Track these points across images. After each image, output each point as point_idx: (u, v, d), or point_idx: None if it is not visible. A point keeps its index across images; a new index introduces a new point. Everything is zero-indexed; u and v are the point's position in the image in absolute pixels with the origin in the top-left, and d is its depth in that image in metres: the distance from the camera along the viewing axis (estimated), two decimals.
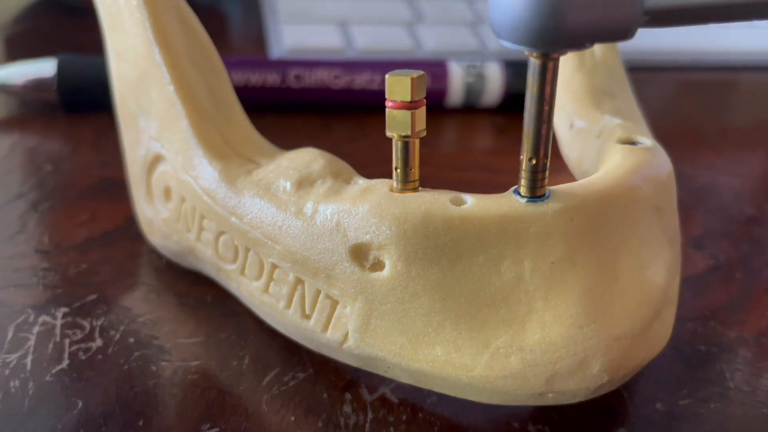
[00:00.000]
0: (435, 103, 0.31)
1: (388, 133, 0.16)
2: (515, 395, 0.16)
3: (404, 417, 0.18)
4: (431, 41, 0.36)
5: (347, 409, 0.18)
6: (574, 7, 0.12)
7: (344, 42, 0.35)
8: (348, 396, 0.18)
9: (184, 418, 0.17)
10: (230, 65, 0.29)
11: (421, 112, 0.16)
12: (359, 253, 0.16)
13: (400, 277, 0.16)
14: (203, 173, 0.19)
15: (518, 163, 0.15)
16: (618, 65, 0.23)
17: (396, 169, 0.16)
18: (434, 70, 0.31)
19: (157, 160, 0.20)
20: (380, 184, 0.17)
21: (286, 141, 0.20)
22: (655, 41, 0.38)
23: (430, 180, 0.17)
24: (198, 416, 0.17)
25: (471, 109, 0.32)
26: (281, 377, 0.18)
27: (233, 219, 0.18)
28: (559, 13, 0.12)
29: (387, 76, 0.15)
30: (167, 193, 0.20)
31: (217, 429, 0.17)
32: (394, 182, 0.16)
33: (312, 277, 0.17)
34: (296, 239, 0.17)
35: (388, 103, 0.16)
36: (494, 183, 0.19)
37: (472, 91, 0.31)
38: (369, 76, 0.30)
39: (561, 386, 0.15)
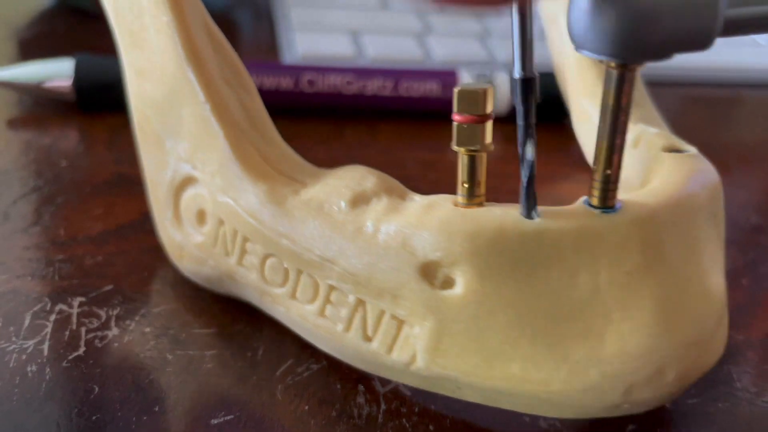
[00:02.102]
0: (445, 111, 0.32)
1: (455, 148, 0.16)
2: (591, 408, 0.16)
3: (417, 409, 0.18)
4: (441, 52, 0.36)
5: (360, 400, 0.18)
6: (661, 20, 0.13)
7: (355, 51, 0.36)
8: (361, 387, 0.18)
9: (200, 405, 0.17)
10: None
11: (489, 125, 0.15)
12: (428, 272, 0.16)
13: (474, 294, 0.15)
14: (245, 194, 0.18)
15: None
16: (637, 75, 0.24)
17: (463, 184, 0.16)
18: (445, 78, 0.31)
19: (186, 182, 0.19)
20: (443, 200, 0.16)
21: (298, 145, 0.21)
22: None
23: (440, 185, 0.18)
24: (213, 404, 0.17)
25: None
26: (295, 368, 0.19)
27: (284, 241, 0.17)
28: (647, 25, 0.13)
29: (456, 89, 0.15)
30: (201, 216, 0.19)
31: (232, 416, 0.17)
32: (459, 197, 0.16)
33: (375, 298, 0.16)
34: (358, 259, 0.16)
35: (455, 117, 0.15)
36: (503, 189, 0.19)
37: None
38: (381, 82, 0.31)
39: (637, 397, 0.15)
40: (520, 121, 0.15)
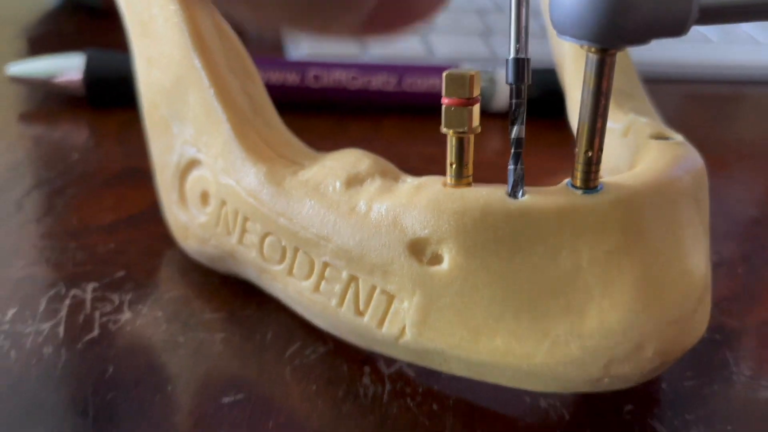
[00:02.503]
0: None
1: (444, 130, 0.16)
2: (573, 381, 0.16)
3: (420, 389, 0.18)
4: (443, 49, 0.37)
5: (366, 380, 0.18)
6: (637, 5, 0.13)
7: (359, 49, 0.36)
8: (367, 369, 0.19)
9: (211, 385, 0.18)
10: None
11: (476, 108, 0.16)
12: (417, 248, 0.17)
13: (460, 270, 0.16)
14: (246, 176, 0.19)
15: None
16: (631, 66, 0.24)
17: (451, 165, 0.17)
18: None
19: (191, 164, 0.20)
20: (433, 181, 0.17)
21: (303, 139, 0.21)
22: (662, 53, 0.39)
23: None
24: (223, 384, 0.18)
25: (482, 112, 0.33)
26: (303, 350, 0.19)
27: (281, 220, 0.18)
28: (624, 9, 0.13)
29: (445, 73, 0.16)
30: (204, 197, 0.20)
31: (242, 396, 0.18)
32: (447, 178, 0.17)
33: (367, 274, 0.17)
34: (351, 237, 0.17)
35: (444, 100, 0.16)
36: (505, 181, 0.20)
37: (484, 95, 0.32)
38: (385, 78, 0.31)
39: (617, 371, 0.16)
40: (510, 100, 0.16)
